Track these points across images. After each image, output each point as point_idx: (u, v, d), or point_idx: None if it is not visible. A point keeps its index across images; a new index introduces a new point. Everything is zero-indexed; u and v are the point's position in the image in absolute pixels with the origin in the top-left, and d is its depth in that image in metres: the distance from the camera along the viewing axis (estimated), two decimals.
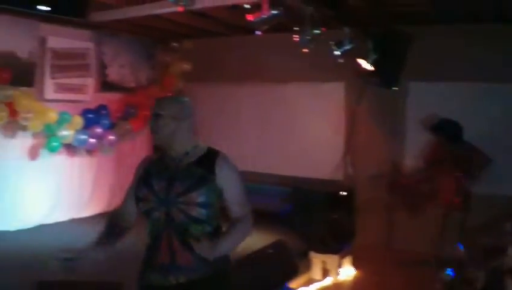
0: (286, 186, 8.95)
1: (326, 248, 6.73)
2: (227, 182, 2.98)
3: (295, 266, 5.67)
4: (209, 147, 3.09)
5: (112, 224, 3.19)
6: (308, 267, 6.73)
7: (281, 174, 9.39)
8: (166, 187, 2.92)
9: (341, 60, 7.04)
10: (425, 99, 8.07)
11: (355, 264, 7.14)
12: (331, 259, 6.71)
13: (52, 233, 8.30)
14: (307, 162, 9.11)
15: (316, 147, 9.06)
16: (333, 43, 6.90)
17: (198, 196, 2.86)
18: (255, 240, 7.47)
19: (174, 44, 10.45)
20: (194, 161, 2.99)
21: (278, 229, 8.06)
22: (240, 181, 3.09)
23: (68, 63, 9.05)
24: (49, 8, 4.45)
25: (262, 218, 8.96)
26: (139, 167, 3.18)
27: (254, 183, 9.55)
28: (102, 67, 9.77)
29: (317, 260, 6.74)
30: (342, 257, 6.89)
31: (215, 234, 2.99)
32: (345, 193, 7.52)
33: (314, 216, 7.04)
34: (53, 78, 8.83)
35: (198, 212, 2.87)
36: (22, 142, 8.51)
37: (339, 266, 6.82)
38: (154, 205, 2.93)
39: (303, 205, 7.69)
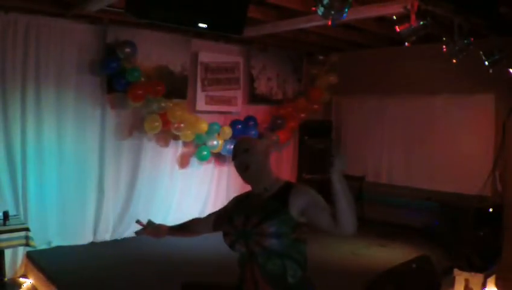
0: (432, 200, 8.75)
1: (471, 266, 6.48)
2: (306, 201, 2.95)
3: (438, 282, 5.52)
4: (286, 181, 3.14)
5: (187, 223, 3.68)
6: (451, 284, 6.52)
7: (427, 188, 9.15)
8: (244, 221, 3.04)
9: (491, 71, 6.77)
10: None
11: (499, 285, 6.79)
12: (475, 278, 6.44)
13: (196, 238, 8.62)
14: (454, 177, 8.77)
15: (464, 161, 8.69)
16: (482, 53, 6.65)
17: (269, 227, 2.91)
18: (399, 254, 7.40)
19: (321, 57, 10.54)
20: (271, 194, 3.07)
21: (423, 243, 7.90)
22: (321, 198, 2.99)
23: (218, 76, 9.42)
24: (205, 26, 4.64)
25: (407, 232, 8.89)
26: (229, 203, 3.39)
27: (400, 198, 9.45)
28: (251, 80, 10.05)
29: (460, 277, 6.50)
30: (487, 276, 6.59)
31: (301, 270, 3.01)
32: (492, 210, 7.20)
33: (460, 232, 6.81)
34: (204, 90, 9.23)
35: (270, 242, 2.90)
36: (174, 151, 8.97)
37: (483, 285, 6.53)
38: (234, 237, 3.06)
39: (449, 220, 7.46)
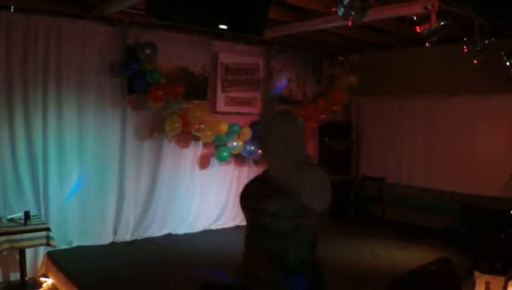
0: (453, 202, 8.67)
1: (491, 269, 6.40)
2: (303, 186, 2.72)
3: (458, 285, 5.46)
4: (307, 164, 2.89)
5: None
6: (471, 287, 6.44)
7: (447, 190, 9.07)
8: (258, 198, 2.91)
9: None
10: None
11: None
12: (495, 280, 6.34)
13: (216, 238, 8.65)
14: (475, 178, 8.70)
15: (485, 163, 8.61)
16: (504, 53, 6.58)
17: (270, 206, 2.77)
18: (419, 256, 7.35)
19: (340, 57, 10.48)
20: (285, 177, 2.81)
21: (443, 245, 7.83)
22: (321, 190, 2.77)
23: (238, 77, 9.43)
24: (226, 27, 4.64)
25: (428, 234, 8.81)
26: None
27: (420, 199, 9.38)
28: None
29: (481, 280, 6.41)
30: (508, 279, 6.50)
31: (305, 252, 2.85)
32: None
33: (481, 234, 6.73)
34: (224, 91, 9.24)
35: (269, 221, 2.78)
36: (194, 152, 8.97)
37: (504, 288, 6.44)
38: (244, 210, 3.08)
39: (469, 222, 7.39)
